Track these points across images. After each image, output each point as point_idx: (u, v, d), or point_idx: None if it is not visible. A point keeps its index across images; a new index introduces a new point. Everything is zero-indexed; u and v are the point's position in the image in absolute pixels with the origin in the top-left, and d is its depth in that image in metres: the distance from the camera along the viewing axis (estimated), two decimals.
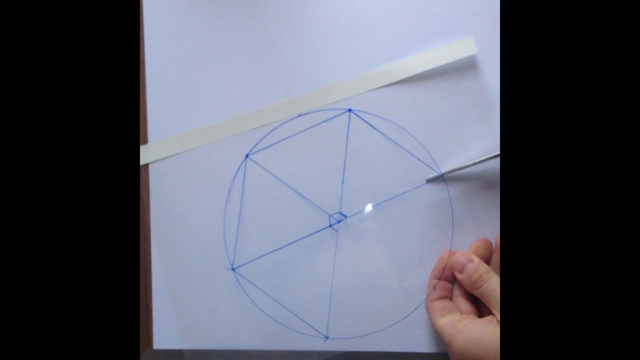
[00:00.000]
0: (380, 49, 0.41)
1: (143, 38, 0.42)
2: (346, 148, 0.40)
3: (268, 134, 0.41)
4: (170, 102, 0.42)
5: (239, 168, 0.41)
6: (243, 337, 0.42)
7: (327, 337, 0.41)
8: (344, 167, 0.41)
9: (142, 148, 0.42)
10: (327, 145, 0.41)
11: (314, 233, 0.41)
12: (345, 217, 0.40)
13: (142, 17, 0.42)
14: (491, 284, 0.36)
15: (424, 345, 0.41)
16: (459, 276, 0.38)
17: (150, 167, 0.42)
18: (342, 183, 0.40)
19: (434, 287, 0.39)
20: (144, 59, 0.42)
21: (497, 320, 0.35)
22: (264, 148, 0.41)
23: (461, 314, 0.38)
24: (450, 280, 0.39)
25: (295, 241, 0.41)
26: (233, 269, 0.41)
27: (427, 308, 0.39)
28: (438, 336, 0.39)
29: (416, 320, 0.41)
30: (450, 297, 0.39)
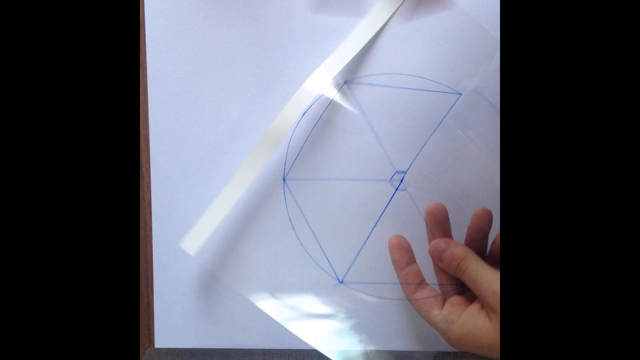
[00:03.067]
0: (381, 48, 0.41)
1: (144, 39, 0.42)
2: (439, 124, 0.41)
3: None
4: (172, 103, 0.42)
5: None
6: (244, 336, 0.42)
7: (341, 282, 0.40)
8: (430, 137, 0.40)
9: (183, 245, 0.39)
10: (425, 114, 0.40)
11: (372, 180, 0.40)
12: (404, 173, 0.40)
13: (143, 19, 0.42)
14: (470, 272, 0.35)
15: (406, 344, 0.41)
16: (440, 264, 0.37)
17: (152, 167, 0.42)
18: (423, 146, 0.40)
19: (405, 278, 0.37)
20: (145, 61, 0.42)
21: (484, 309, 0.34)
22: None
23: (444, 297, 0.37)
24: (411, 261, 0.38)
25: (353, 179, 0.41)
26: (284, 179, 0.41)
27: (411, 303, 0.38)
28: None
29: (399, 316, 0.40)
30: (424, 280, 0.38)
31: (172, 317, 0.42)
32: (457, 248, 0.36)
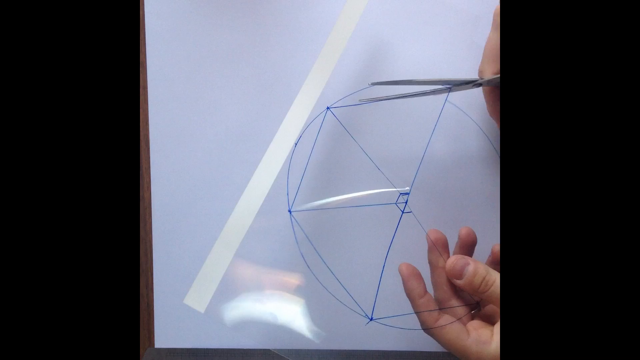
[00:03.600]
0: (381, 49, 0.41)
1: (144, 39, 0.42)
2: (434, 128, 0.40)
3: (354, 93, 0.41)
4: (172, 103, 0.42)
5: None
6: (245, 336, 0.42)
7: (371, 319, 0.38)
8: (427, 146, 0.40)
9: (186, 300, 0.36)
10: (417, 118, 0.40)
11: (379, 205, 0.40)
12: (407, 196, 0.39)
13: (143, 19, 0.42)
14: (498, 286, 0.33)
15: (406, 344, 0.40)
16: (458, 282, 0.34)
17: (152, 167, 0.42)
18: (421, 162, 0.40)
19: (426, 306, 0.35)
20: (145, 60, 0.42)
21: None
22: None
23: (458, 318, 0.35)
24: (425, 289, 0.36)
25: (359, 205, 0.40)
26: (290, 211, 0.39)
27: (433, 333, 0.35)
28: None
29: (399, 317, 0.40)
30: (437, 307, 0.36)
31: (172, 317, 0.42)
32: (479, 264, 0.34)
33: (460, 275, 0.34)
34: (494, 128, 0.41)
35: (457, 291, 0.36)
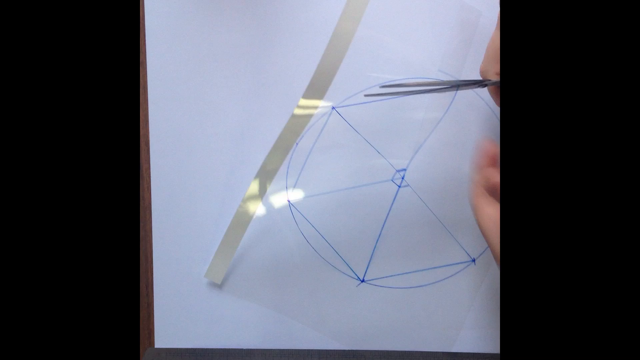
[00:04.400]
0: (380, 49, 0.41)
1: (144, 39, 0.42)
2: (440, 120, 0.41)
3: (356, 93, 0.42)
4: (172, 103, 0.42)
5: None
6: (244, 336, 0.42)
7: (362, 281, 0.42)
8: (428, 136, 0.41)
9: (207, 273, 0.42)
10: (422, 115, 0.41)
11: (375, 183, 0.42)
12: (404, 170, 0.41)
13: (143, 19, 0.42)
14: None
15: (406, 344, 0.41)
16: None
17: (152, 167, 0.42)
18: (421, 147, 0.41)
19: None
20: (145, 60, 0.42)
21: None
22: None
23: None
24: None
25: (356, 187, 0.42)
26: (289, 201, 0.42)
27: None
28: None
29: (399, 317, 0.41)
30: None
31: (172, 317, 0.42)
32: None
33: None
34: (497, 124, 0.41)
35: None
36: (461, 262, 0.42)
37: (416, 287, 0.42)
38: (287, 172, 0.42)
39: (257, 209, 0.41)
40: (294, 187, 0.42)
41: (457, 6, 0.41)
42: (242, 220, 0.41)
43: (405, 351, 0.41)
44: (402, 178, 0.41)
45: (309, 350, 0.41)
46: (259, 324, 0.42)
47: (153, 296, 0.42)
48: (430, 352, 0.41)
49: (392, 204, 0.41)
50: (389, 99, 0.39)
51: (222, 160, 0.42)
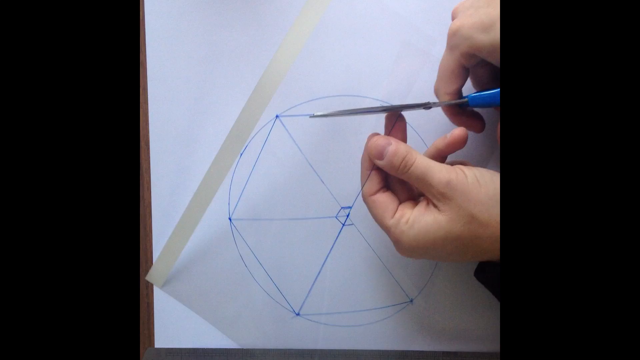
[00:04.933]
0: (380, 50, 0.41)
1: (144, 39, 0.42)
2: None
3: (306, 102, 0.41)
4: (172, 103, 0.42)
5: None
6: (244, 336, 0.42)
7: (297, 314, 0.41)
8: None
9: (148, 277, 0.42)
10: (362, 136, 0.40)
11: (319, 218, 0.41)
12: (349, 210, 0.41)
13: (143, 19, 0.42)
14: (418, 166, 0.33)
15: (406, 343, 0.41)
16: (379, 163, 0.34)
17: (152, 167, 0.42)
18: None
19: (367, 176, 0.36)
20: (145, 60, 0.42)
21: (432, 204, 0.33)
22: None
23: (400, 202, 0.35)
24: (371, 166, 0.36)
25: (299, 218, 0.41)
26: (230, 219, 0.41)
27: (365, 202, 0.36)
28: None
29: (399, 316, 0.41)
30: (387, 186, 0.36)
31: (172, 317, 0.42)
32: (401, 144, 0.34)
33: (381, 156, 0.34)
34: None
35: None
36: (400, 303, 0.41)
37: (353, 326, 0.41)
38: (230, 189, 0.41)
39: (199, 220, 0.40)
40: (236, 207, 0.41)
41: (411, 31, 0.40)
42: (185, 227, 0.40)
43: (404, 351, 0.41)
44: (347, 216, 0.41)
45: (309, 350, 0.41)
46: (259, 324, 0.42)
47: (153, 296, 0.42)
48: (430, 351, 0.41)
49: (334, 242, 0.41)
50: (336, 116, 0.36)
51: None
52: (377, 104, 0.40)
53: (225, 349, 0.42)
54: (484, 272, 0.36)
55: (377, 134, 0.35)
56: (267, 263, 0.42)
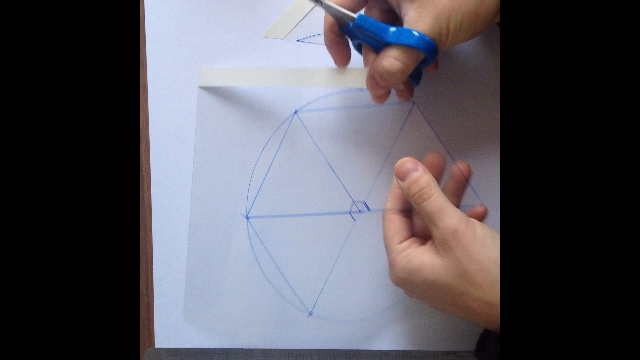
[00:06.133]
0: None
1: (144, 39, 0.42)
2: (396, 139, 0.40)
3: (324, 96, 0.41)
4: (172, 103, 0.42)
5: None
6: (244, 336, 0.42)
7: (310, 314, 0.41)
8: (387, 158, 0.41)
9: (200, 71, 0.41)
10: (379, 130, 0.40)
11: (331, 214, 0.41)
12: (368, 209, 0.40)
13: (143, 19, 0.42)
14: (432, 202, 0.33)
15: (406, 343, 0.41)
16: (400, 184, 0.34)
17: (152, 167, 0.42)
18: (378, 174, 0.41)
19: (395, 194, 0.36)
20: (145, 60, 0.42)
21: (435, 245, 0.33)
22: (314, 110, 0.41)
23: (413, 234, 0.36)
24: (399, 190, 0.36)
25: (311, 214, 0.41)
26: (247, 217, 0.41)
27: (382, 215, 0.37)
28: (420, 335, 0.40)
29: (399, 316, 0.40)
30: (409, 211, 0.37)
31: (172, 317, 0.42)
32: (426, 174, 0.34)
33: (403, 177, 0.34)
34: (453, 138, 0.40)
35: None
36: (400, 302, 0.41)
37: (360, 322, 0.41)
38: (249, 187, 0.41)
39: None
40: (252, 204, 0.41)
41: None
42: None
43: (405, 351, 0.41)
44: (359, 211, 0.40)
45: (309, 350, 0.41)
46: (259, 324, 0.42)
47: (153, 296, 0.42)
48: (430, 351, 0.41)
49: (347, 237, 0.41)
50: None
51: (222, 161, 0.42)
52: None
53: (225, 349, 0.42)
54: (485, 351, 0.36)
55: (412, 158, 0.35)
56: (281, 263, 0.41)
